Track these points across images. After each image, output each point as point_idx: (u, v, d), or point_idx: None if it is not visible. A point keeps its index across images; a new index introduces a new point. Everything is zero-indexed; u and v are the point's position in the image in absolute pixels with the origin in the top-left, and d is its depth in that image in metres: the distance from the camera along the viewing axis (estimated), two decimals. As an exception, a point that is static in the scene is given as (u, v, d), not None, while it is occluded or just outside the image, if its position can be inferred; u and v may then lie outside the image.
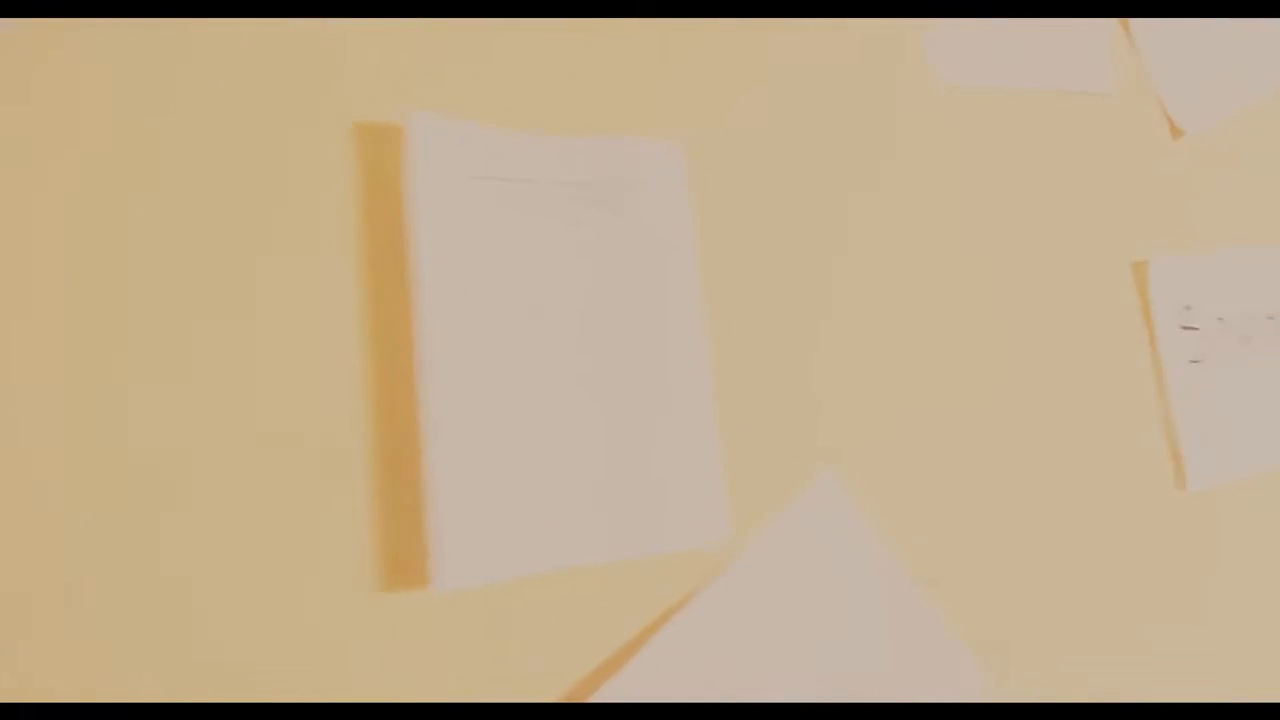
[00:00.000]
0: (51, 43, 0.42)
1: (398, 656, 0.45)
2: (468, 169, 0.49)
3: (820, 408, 0.55)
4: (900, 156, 0.60)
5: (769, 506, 0.53)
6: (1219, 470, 0.66)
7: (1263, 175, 0.71)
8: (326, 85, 0.47)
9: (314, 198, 0.47)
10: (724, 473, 0.52)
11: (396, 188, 0.48)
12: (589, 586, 0.49)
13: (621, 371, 0.51)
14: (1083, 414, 0.62)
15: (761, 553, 0.51)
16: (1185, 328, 0.67)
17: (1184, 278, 0.69)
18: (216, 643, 0.42)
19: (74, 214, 0.43)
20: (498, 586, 0.48)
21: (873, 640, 0.51)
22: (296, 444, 0.45)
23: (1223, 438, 0.66)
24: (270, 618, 0.43)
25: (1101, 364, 0.64)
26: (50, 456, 0.41)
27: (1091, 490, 0.61)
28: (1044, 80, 0.64)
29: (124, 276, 0.44)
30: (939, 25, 0.62)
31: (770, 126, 0.57)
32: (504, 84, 0.52)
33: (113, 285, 0.43)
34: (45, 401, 0.41)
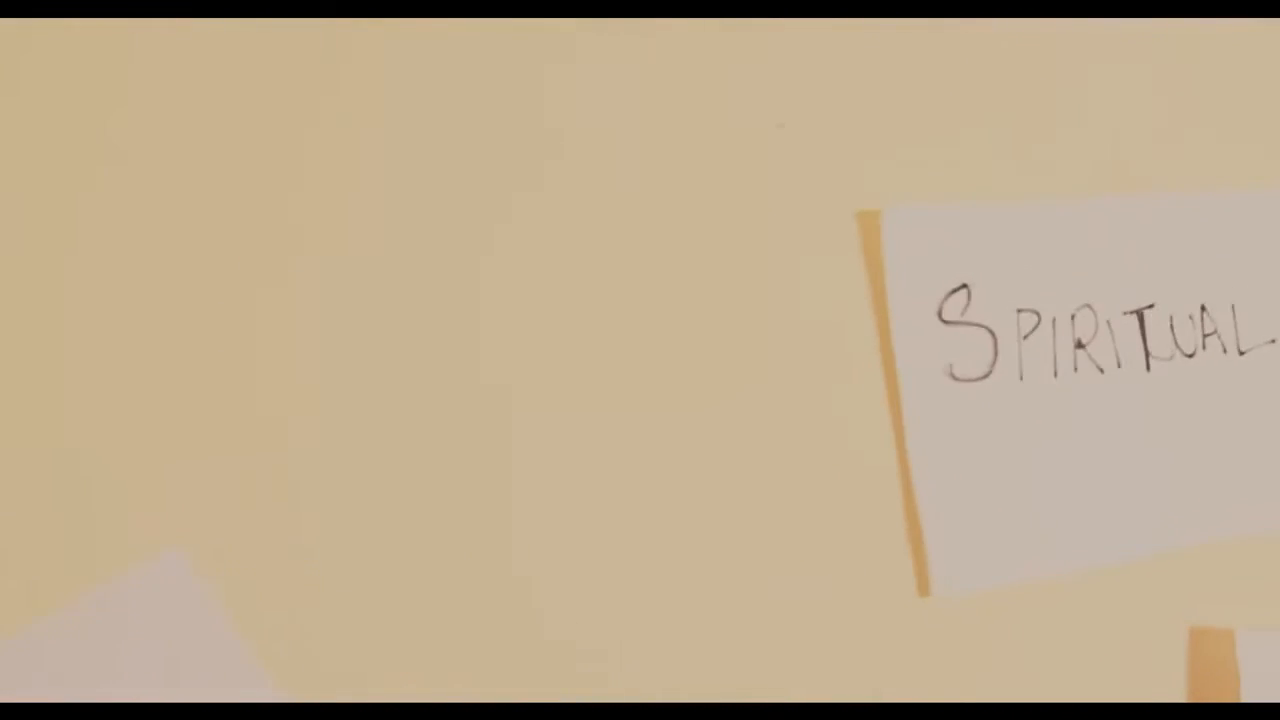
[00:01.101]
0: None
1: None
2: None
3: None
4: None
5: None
6: (981, 572, 0.62)
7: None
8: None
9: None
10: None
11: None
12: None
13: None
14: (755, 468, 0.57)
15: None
16: (950, 322, 0.63)
17: (948, 238, 0.64)
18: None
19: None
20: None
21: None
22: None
23: (991, 511, 0.63)
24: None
25: (791, 376, 0.58)
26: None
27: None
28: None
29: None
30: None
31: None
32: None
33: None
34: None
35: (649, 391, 0.56)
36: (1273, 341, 0.73)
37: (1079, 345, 0.67)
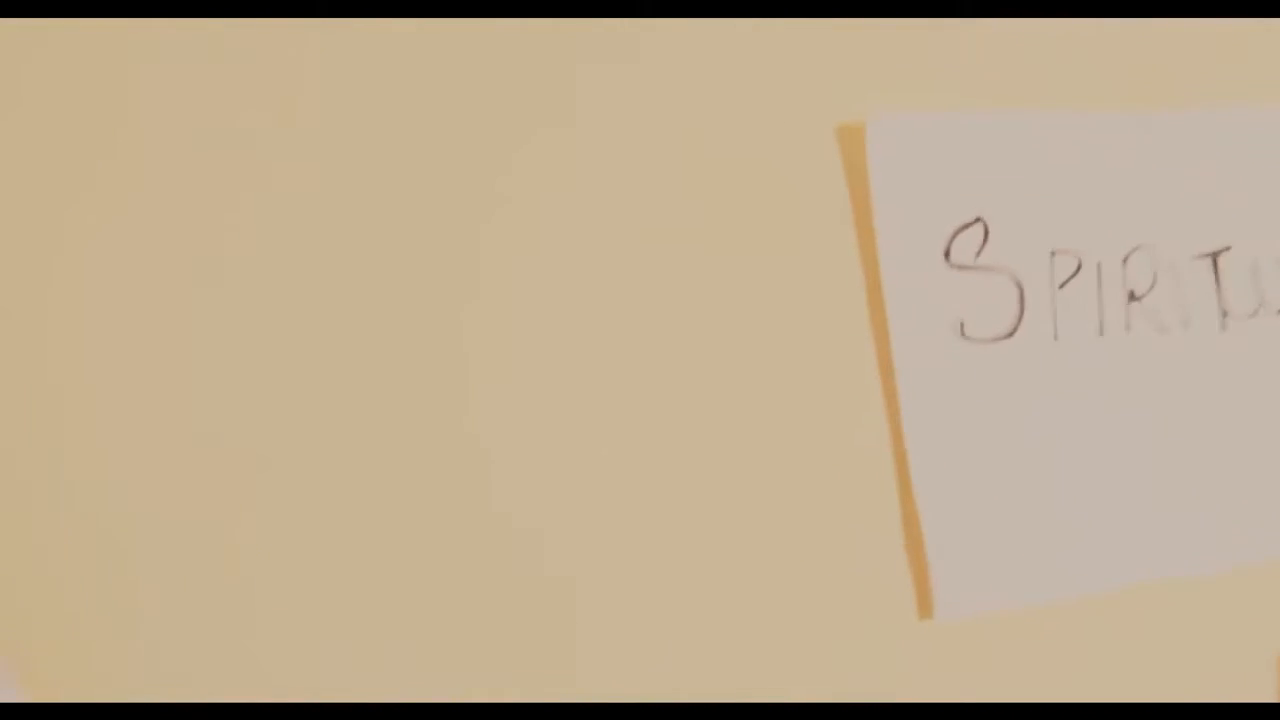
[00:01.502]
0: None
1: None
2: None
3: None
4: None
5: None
6: (989, 593, 0.50)
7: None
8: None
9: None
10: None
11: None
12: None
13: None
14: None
15: None
16: (961, 266, 0.49)
17: (954, 157, 0.49)
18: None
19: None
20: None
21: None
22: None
23: (1011, 512, 0.50)
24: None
25: (764, 348, 0.48)
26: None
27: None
28: None
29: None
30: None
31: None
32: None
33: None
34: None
35: (614, 386, 0.46)
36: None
37: (1132, 298, 0.53)
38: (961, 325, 0.49)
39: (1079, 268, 0.52)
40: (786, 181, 0.49)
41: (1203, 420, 0.53)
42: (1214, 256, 0.54)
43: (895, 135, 0.49)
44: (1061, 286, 0.51)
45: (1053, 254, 0.51)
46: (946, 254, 0.50)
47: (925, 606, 0.49)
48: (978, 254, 0.50)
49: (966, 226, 0.50)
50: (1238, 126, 0.54)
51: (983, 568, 0.49)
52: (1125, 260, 0.53)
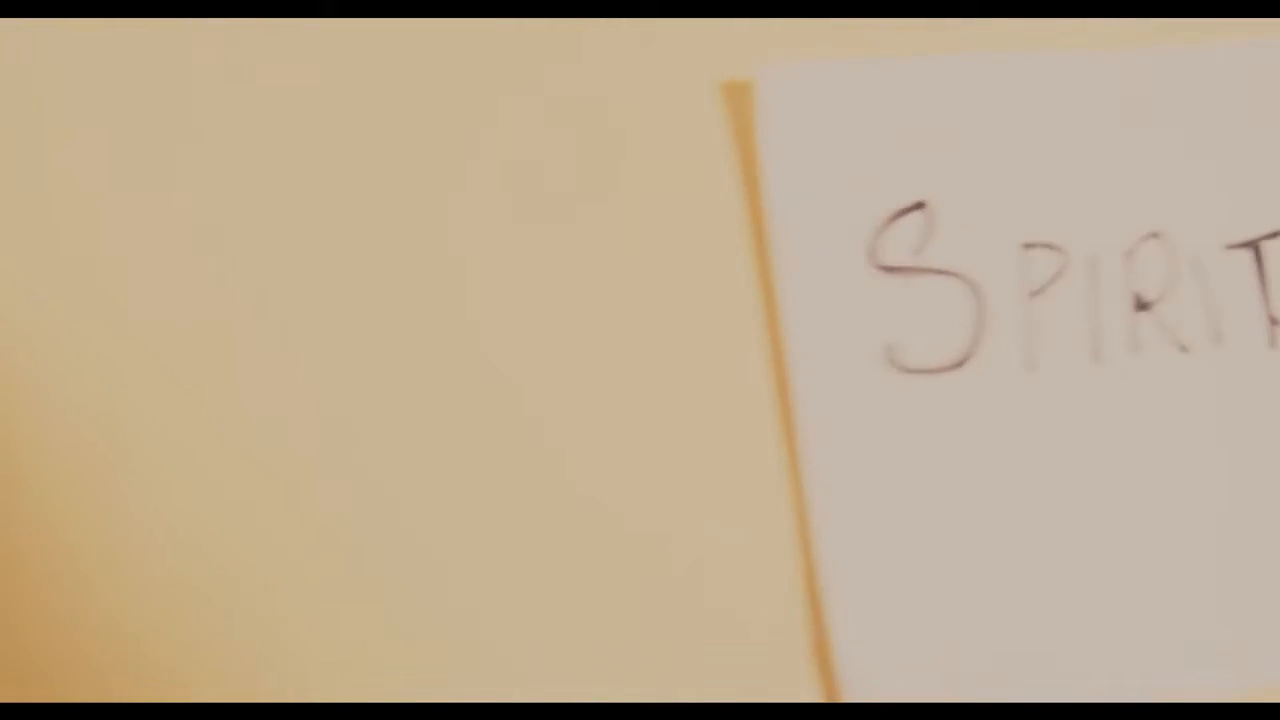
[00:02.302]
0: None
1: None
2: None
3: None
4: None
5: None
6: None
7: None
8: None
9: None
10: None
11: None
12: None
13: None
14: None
15: None
16: (895, 269, 0.36)
17: (881, 118, 0.36)
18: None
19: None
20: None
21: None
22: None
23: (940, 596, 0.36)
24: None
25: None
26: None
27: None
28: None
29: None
30: None
31: None
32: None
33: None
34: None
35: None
36: None
37: (1141, 306, 0.38)
38: (892, 350, 0.36)
39: (1064, 267, 0.37)
40: (668, 154, 0.36)
41: (1243, 481, 0.38)
42: (1256, 245, 0.40)
43: (793, 91, 0.35)
44: (1038, 294, 0.37)
45: (1025, 248, 0.37)
46: (872, 252, 0.36)
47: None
48: (918, 251, 0.36)
49: (902, 214, 0.36)
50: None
51: (902, 661, 0.36)
52: (1130, 255, 0.38)
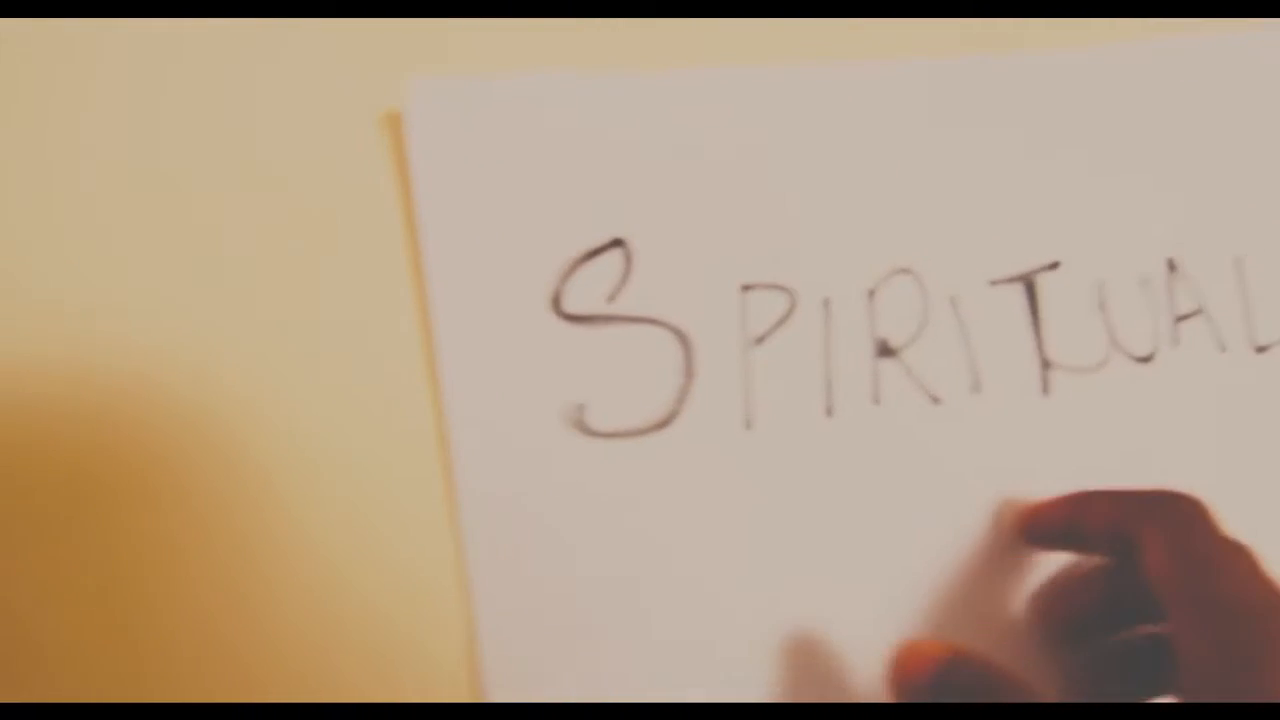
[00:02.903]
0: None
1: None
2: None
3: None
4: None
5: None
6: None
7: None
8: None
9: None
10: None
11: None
12: None
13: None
14: None
15: None
16: (582, 318, 0.31)
17: (556, 146, 0.31)
18: None
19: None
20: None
21: None
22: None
23: None
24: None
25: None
26: None
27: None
28: None
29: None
30: None
31: None
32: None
33: None
34: None
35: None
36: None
37: (884, 352, 0.34)
38: (582, 411, 0.31)
39: (791, 309, 0.33)
40: (324, 190, 0.31)
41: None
42: (1028, 279, 0.35)
43: (447, 107, 0.30)
44: (761, 341, 0.33)
45: (744, 290, 0.33)
46: (555, 300, 0.31)
47: None
48: (612, 296, 0.32)
49: (594, 253, 0.31)
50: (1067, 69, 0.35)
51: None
52: (873, 294, 0.34)
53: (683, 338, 0.32)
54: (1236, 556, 0.28)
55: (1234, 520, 0.34)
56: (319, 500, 0.31)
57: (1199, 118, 0.37)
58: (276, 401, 0.31)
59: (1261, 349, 0.37)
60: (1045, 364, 0.35)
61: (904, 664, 0.30)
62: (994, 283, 0.35)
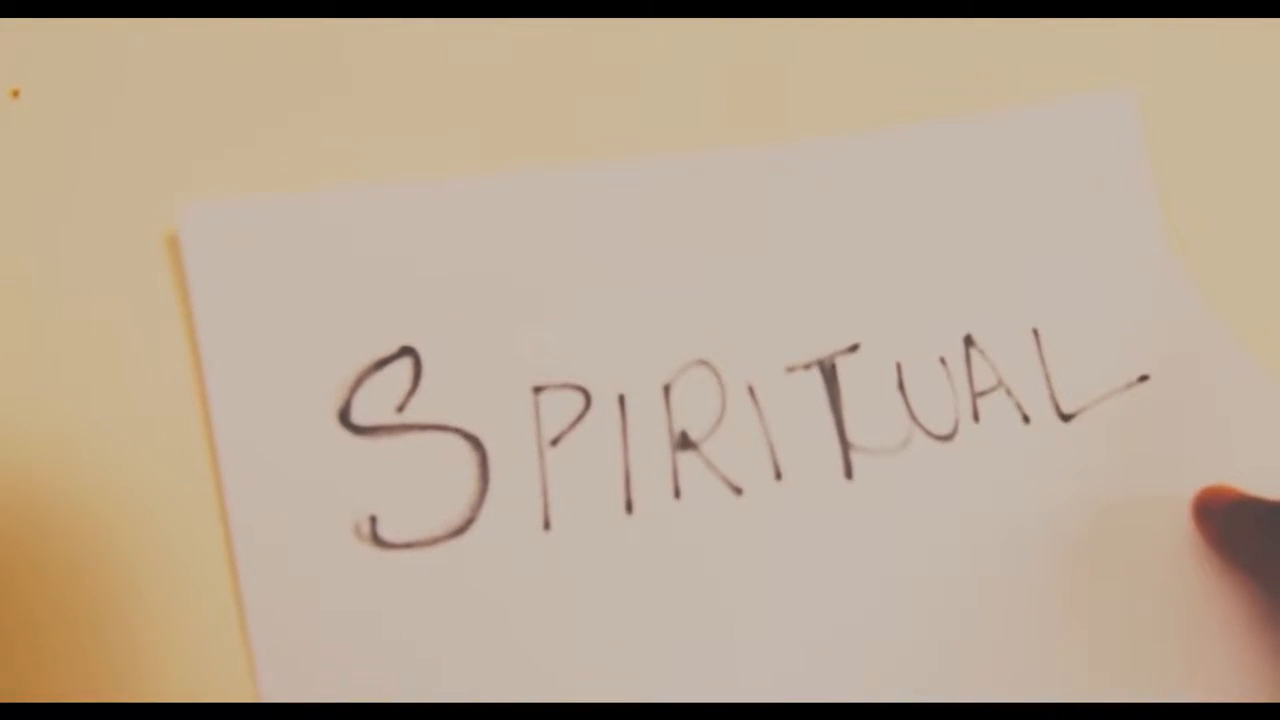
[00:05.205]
0: None
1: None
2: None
3: None
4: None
5: None
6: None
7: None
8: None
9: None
10: None
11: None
12: None
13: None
14: None
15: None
16: (368, 429, 0.31)
17: (339, 260, 0.31)
18: None
19: None
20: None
21: None
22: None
23: None
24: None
25: None
26: None
27: None
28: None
29: None
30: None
31: None
32: None
33: None
34: None
35: None
36: (1105, 398, 0.39)
37: (684, 444, 0.34)
38: (374, 523, 0.31)
39: (586, 408, 0.33)
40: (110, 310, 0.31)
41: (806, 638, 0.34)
42: (827, 363, 0.36)
43: (220, 229, 0.31)
44: (556, 442, 0.33)
45: (537, 391, 0.33)
46: (344, 412, 0.31)
47: None
48: (400, 406, 0.32)
49: (380, 365, 0.32)
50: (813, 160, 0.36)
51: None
52: (668, 387, 0.34)
53: (476, 443, 0.32)
54: None
55: (1046, 590, 0.35)
56: (113, 615, 0.30)
57: (988, 194, 0.39)
58: (70, 511, 0.30)
59: (1067, 417, 0.38)
60: (847, 447, 0.35)
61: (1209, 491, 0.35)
62: (790, 369, 0.35)
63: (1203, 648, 0.35)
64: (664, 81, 0.37)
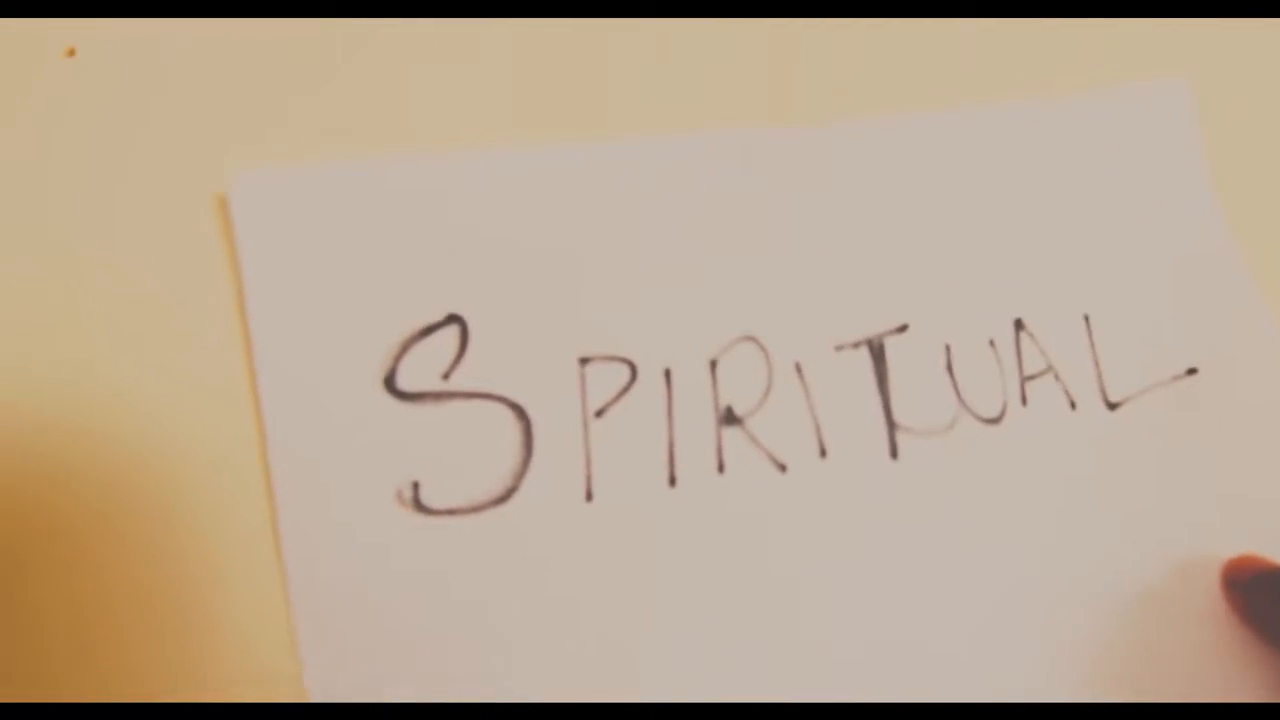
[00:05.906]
0: None
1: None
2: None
3: None
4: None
5: None
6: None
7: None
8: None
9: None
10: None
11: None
12: None
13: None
14: None
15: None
16: (414, 397, 0.31)
17: (389, 230, 0.32)
18: None
19: None
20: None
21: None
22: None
23: None
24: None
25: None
26: None
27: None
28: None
29: None
30: None
31: None
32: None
33: None
34: None
35: None
36: (1151, 388, 0.38)
37: (729, 420, 0.34)
38: (416, 488, 0.31)
39: (631, 380, 0.33)
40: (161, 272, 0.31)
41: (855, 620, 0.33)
42: (876, 343, 0.35)
43: (270, 198, 0.30)
44: (601, 414, 0.33)
45: (583, 362, 0.33)
46: (389, 379, 0.31)
47: None
48: (446, 373, 0.32)
49: (427, 331, 0.31)
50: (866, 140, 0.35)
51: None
52: (715, 363, 0.34)
53: (520, 412, 0.32)
54: None
55: (1086, 578, 0.35)
56: (160, 577, 0.30)
57: (1042, 179, 0.38)
58: (114, 471, 0.30)
59: (1114, 405, 0.37)
60: (893, 427, 0.35)
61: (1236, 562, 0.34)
62: (839, 348, 0.35)
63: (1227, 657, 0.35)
64: (716, 77, 0.37)
